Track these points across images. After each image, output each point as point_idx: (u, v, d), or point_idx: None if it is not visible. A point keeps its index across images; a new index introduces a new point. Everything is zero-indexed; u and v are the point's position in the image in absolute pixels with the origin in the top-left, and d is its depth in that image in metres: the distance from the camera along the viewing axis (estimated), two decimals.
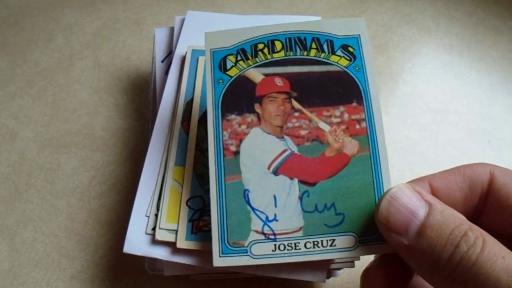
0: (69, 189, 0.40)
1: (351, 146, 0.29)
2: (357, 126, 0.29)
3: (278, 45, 0.31)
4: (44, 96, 0.46)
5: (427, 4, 0.53)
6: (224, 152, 0.29)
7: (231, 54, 0.31)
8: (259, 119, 0.30)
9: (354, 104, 0.29)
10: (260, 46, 0.31)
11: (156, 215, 0.31)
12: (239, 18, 0.41)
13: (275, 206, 0.29)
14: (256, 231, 0.28)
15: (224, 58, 0.31)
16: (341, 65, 0.30)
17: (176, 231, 0.30)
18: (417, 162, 0.43)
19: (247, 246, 0.28)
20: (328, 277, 0.33)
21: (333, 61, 0.30)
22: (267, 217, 0.28)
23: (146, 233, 0.31)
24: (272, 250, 0.28)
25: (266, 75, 0.30)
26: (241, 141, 0.30)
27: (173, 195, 0.32)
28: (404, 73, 0.48)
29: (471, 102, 0.46)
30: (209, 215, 0.30)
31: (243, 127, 0.30)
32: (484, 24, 0.51)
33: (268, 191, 0.29)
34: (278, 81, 0.30)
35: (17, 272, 0.37)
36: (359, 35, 0.31)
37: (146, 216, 0.31)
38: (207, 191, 0.31)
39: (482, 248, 0.22)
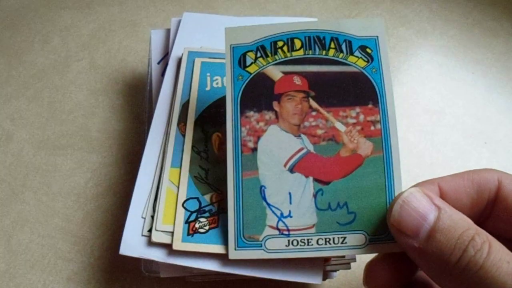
0: (65, 191, 0.40)
1: (365, 147, 0.29)
2: (372, 128, 0.30)
3: (298, 44, 0.31)
4: (40, 97, 0.46)
5: (423, 6, 0.53)
6: (242, 148, 0.30)
7: (251, 51, 0.31)
8: (277, 116, 0.30)
9: (370, 105, 0.30)
10: (280, 43, 0.31)
11: (152, 217, 0.31)
12: (235, 19, 0.41)
13: (290, 203, 0.29)
14: (271, 227, 0.29)
15: (244, 54, 0.31)
16: (359, 66, 0.30)
17: (172, 232, 0.30)
18: (413, 164, 0.43)
19: (261, 241, 0.29)
20: (324, 279, 0.33)
21: (351, 62, 0.30)
22: (282, 213, 0.29)
23: (142, 235, 0.31)
24: (286, 245, 0.29)
25: (285, 73, 0.31)
26: (259, 138, 0.30)
27: (169, 196, 0.32)
28: (400, 74, 0.48)
29: (467, 104, 0.46)
30: (205, 217, 0.30)
31: (261, 124, 0.30)
32: (480, 26, 0.51)
33: (283, 188, 0.29)
34: (297, 80, 0.31)
35: (13, 273, 0.37)
36: (377, 36, 0.31)
37: (142, 217, 0.31)
38: (204, 193, 0.31)
39: (488, 253, 0.22)
